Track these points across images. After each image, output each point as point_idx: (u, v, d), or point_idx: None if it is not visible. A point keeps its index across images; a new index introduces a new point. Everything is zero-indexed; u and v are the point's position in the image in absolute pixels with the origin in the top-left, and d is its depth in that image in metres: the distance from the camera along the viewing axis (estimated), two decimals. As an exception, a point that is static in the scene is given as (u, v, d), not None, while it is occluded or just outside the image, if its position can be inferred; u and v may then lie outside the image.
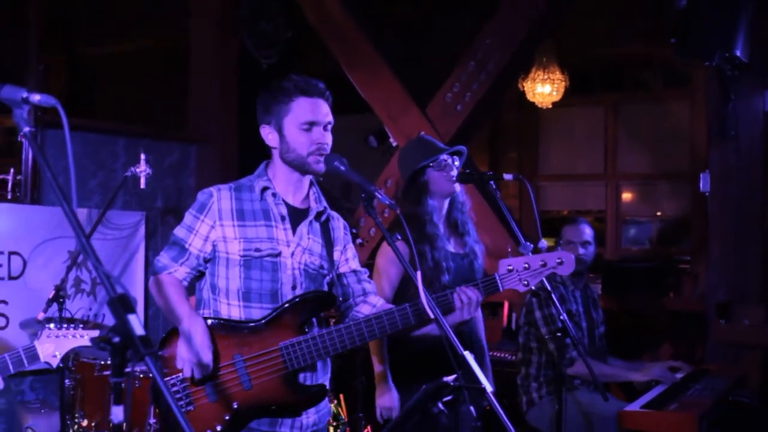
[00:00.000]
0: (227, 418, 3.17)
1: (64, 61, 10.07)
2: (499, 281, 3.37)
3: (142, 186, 5.51)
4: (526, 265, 3.38)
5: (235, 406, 3.17)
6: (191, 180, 7.14)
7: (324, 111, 3.29)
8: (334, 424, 5.86)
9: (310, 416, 3.31)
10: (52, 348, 2.64)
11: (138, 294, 6.33)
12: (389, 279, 4.08)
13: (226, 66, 7.49)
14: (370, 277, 3.63)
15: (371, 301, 3.48)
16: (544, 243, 3.63)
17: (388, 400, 4.10)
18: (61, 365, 2.73)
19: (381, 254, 4.17)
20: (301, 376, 3.26)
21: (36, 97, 2.20)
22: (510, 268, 3.37)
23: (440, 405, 3.18)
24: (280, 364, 3.18)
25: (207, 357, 3.11)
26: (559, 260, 3.38)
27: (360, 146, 7.71)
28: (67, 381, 5.20)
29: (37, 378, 6.06)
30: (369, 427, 5.77)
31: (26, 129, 2.18)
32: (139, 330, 1.92)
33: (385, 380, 4.13)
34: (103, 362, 5.22)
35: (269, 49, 7.62)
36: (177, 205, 6.94)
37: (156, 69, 8.90)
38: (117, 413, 2.02)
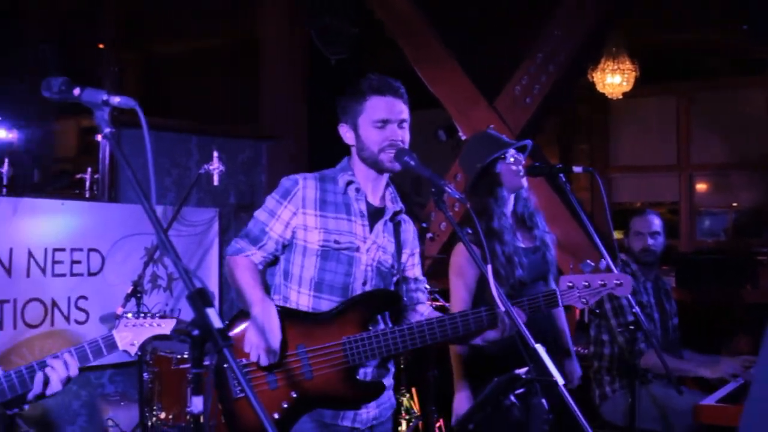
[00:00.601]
0: (285, 406, 3.20)
1: (137, 61, 10.26)
2: (559, 297, 3.39)
3: (215, 183, 5.61)
4: (586, 284, 3.39)
5: (294, 396, 3.21)
6: (263, 177, 7.24)
7: (398, 108, 3.32)
8: (407, 417, 5.90)
9: (370, 411, 3.33)
10: (129, 337, 2.73)
11: (213, 289, 6.44)
12: (466, 282, 4.07)
13: (296, 63, 7.56)
14: (443, 272, 3.65)
15: (420, 309, 3.51)
16: (605, 262, 3.62)
17: (461, 404, 4.10)
18: (139, 353, 2.82)
19: (456, 254, 4.16)
20: (361, 371, 3.29)
21: (116, 99, 2.28)
22: (570, 285, 3.39)
23: (512, 398, 3.20)
24: (341, 358, 3.21)
25: (276, 344, 3.15)
26: (618, 282, 3.41)
27: (429, 141, 7.72)
28: (145, 374, 5.32)
29: (117, 371, 6.21)
30: (441, 421, 5.79)
31: (107, 130, 2.25)
32: (217, 323, 1.97)
33: (464, 388, 4.12)
34: (179, 356, 5.33)
35: (337, 45, 7.67)
36: (250, 201, 7.05)
37: (228, 67, 9.02)
38: (197, 404, 2.08)
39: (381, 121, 3.28)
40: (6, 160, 6.28)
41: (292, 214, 3.32)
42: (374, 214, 3.38)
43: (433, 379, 5.73)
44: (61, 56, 7.26)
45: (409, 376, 6.14)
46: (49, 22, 7.79)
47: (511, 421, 3.56)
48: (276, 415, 3.18)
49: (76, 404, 6.03)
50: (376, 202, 3.41)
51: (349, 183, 3.37)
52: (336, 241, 3.29)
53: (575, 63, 6.91)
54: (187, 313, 2.98)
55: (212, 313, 1.99)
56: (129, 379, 6.25)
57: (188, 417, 5.23)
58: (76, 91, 2.31)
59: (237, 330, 3.26)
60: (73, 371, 2.60)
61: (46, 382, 2.56)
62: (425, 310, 3.49)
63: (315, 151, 7.23)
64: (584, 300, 3.39)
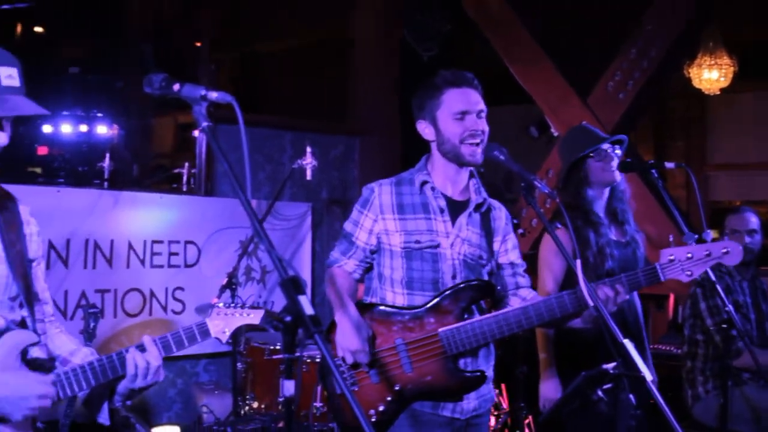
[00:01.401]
0: (389, 399, 3.28)
1: (231, 59, 10.46)
2: (660, 271, 3.34)
3: (308, 178, 5.70)
4: (689, 255, 3.32)
5: (397, 388, 3.28)
6: (355, 172, 7.31)
7: (474, 99, 3.35)
8: (496, 413, 5.90)
9: (470, 401, 3.37)
10: (221, 325, 2.82)
11: (305, 284, 6.56)
12: (553, 272, 4.08)
13: (388, 59, 7.61)
14: (533, 269, 3.66)
15: (522, 294, 3.51)
16: (710, 234, 3.56)
17: (551, 391, 4.10)
18: (229, 341, 2.90)
19: (544, 245, 4.17)
20: (461, 361, 3.33)
21: (213, 95, 2.35)
22: (672, 258, 3.33)
23: (599, 392, 3.19)
24: (440, 349, 3.27)
25: (360, 343, 3.25)
26: (725, 250, 3.31)
27: (521, 137, 7.70)
28: (239, 364, 5.45)
29: (211, 361, 6.36)
30: (530, 417, 5.78)
31: (204, 124, 2.33)
32: (309, 310, 2.03)
33: (549, 370, 4.13)
34: (272, 347, 5.44)
35: (429, 41, 7.70)
36: (342, 196, 7.13)
37: (321, 64, 9.13)
38: (288, 387, 2.14)
39: (460, 113, 3.32)
40: (107, 155, 6.51)
41: (373, 221, 3.41)
42: (456, 208, 3.41)
43: (522, 376, 5.71)
44: (160, 55, 7.45)
45: (498, 372, 6.12)
46: (148, 23, 8.01)
47: (598, 415, 3.55)
48: (381, 407, 3.27)
49: (172, 392, 6.19)
50: (457, 195, 3.44)
51: (424, 183, 3.41)
52: (417, 241, 3.35)
53: (669, 58, 6.80)
54: (280, 306, 3.07)
55: (304, 300, 2.05)
56: (222, 369, 6.40)
57: (280, 407, 5.33)
58: (176, 87, 2.39)
59: (334, 333, 3.36)
60: (158, 357, 2.69)
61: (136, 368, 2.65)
62: (527, 294, 3.50)
63: (407, 147, 7.26)
64: (688, 272, 3.32)
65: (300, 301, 2.05)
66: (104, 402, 2.78)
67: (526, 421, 5.80)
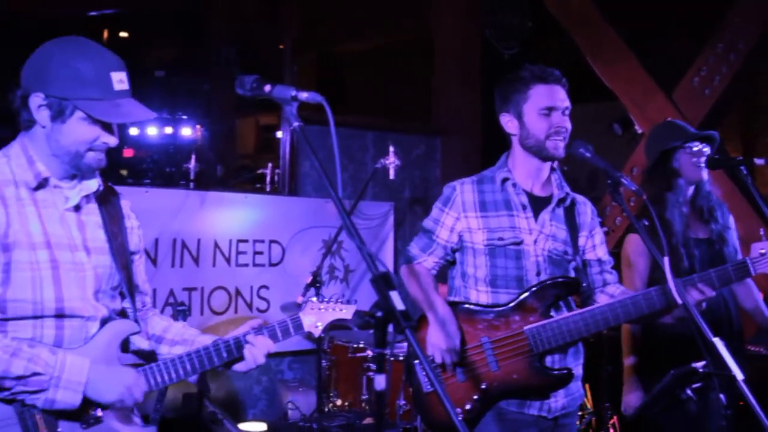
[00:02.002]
0: (476, 397, 3.28)
1: (313, 60, 10.55)
2: (750, 265, 3.30)
3: (392, 177, 5.74)
4: None
5: (483, 387, 3.28)
6: (437, 171, 7.33)
7: (561, 96, 3.35)
8: (580, 413, 5.85)
9: (558, 399, 3.36)
10: (314, 319, 2.88)
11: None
12: (638, 271, 4.04)
13: (469, 58, 7.60)
14: (618, 266, 3.63)
15: (609, 291, 3.48)
16: None
17: (633, 399, 4.05)
18: (322, 335, 2.96)
19: (629, 244, 4.12)
20: (549, 359, 3.32)
21: (304, 95, 2.40)
22: (762, 251, 3.29)
23: (688, 391, 3.15)
24: (526, 346, 3.26)
25: (455, 343, 3.25)
26: None
27: (604, 134, 7.61)
28: (323, 362, 5.50)
29: (295, 359, 6.44)
30: (615, 418, 5.71)
31: (295, 124, 2.37)
32: (399, 305, 2.05)
33: (633, 376, 4.08)
34: (356, 345, 5.48)
35: (510, 39, 7.67)
36: (424, 195, 7.15)
37: (402, 64, 9.16)
38: (380, 381, 2.16)
39: (547, 109, 3.32)
40: (193, 156, 6.63)
41: (455, 219, 3.42)
42: (538, 204, 3.41)
43: (607, 376, 5.65)
44: (243, 57, 7.55)
45: (582, 372, 6.08)
46: (231, 25, 8.13)
47: (688, 415, 3.51)
48: (468, 406, 3.27)
49: (257, 389, 6.29)
50: (539, 191, 3.43)
51: (505, 180, 3.41)
52: (500, 238, 3.34)
53: (758, 52, 6.64)
54: (363, 305, 3.12)
55: (395, 296, 2.07)
56: (306, 366, 6.48)
57: (363, 404, 5.38)
58: (267, 88, 2.44)
59: (420, 332, 3.38)
60: (272, 347, 2.78)
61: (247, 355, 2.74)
62: (615, 290, 3.48)
63: (488, 146, 7.25)
64: None
65: (391, 296, 2.08)
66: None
67: (611, 421, 5.74)
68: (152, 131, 7.69)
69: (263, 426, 5.42)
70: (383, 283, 2.09)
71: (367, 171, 6.57)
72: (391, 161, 5.61)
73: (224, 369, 2.80)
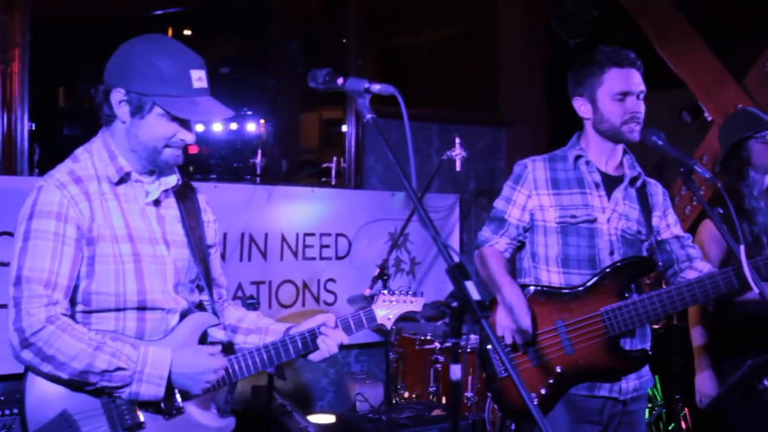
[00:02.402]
0: (551, 381, 3.26)
1: (375, 53, 10.55)
2: None
3: (458, 169, 5.72)
4: None
5: (558, 371, 3.25)
6: (501, 162, 7.29)
7: (636, 80, 3.32)
8: (650, 405, 5.79)
9: (630, 381, 3.33)
10: (386, 311, 2.91)
11: (451, 274, 6.54)
12: (710, 258, 3.98)
13: (534, 49, 7.54)
14: None
15: (697, 266, 3.43)
16: None
17: (707, 386, 4.00)
18: (393, 327, 2.98)
19: (702, 231, 4.07)
20: (622, 341, 3.29)
21: (376, 87, 2.41)
22: None
23: (766, 382, 3.10)
24: (602, 329, 3.23)
25: (525, 323, 3.22)
26: None
27: (672, 123, 7.49)
28: (390, 354, 5.52)
29: (362, 351, 6.47)
30: (687, 410, 5.64)
31: (368, 116, 2.38)
32: (475, 295, 2.05)
33: (705, 363, 4.03)
34: (423, 337, 5.50)
35: (575, 28, 7.59)
36: (489, 187, 7.12)
37: (465, 55, 9.12)
38: (456, 371, 2.17)
39: (621, 94, 3.29)
40: (259, 152, 6.69)
41: (527, 197, 3.39)
42: (611, 183, 3.38)
43: (678, 368, 5.58)
44: (307, 52, 7.58)
45: (652, 364, 6.01)
46: (294, 20, 8.17)
47: (765, 406, 3.45)
48: (543, 391, 3.26)
49: (325, 381, 6.33)
50: (612, 171, 3.40)
51: (578, 157, 3.38)
52: (573, 216, 3.31)
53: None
54: (429, 297, 3.12)
55: (471, 286, 2.07)
56: (373, 359, 6.51)
57: (431, 396, 5.39)
58: (340, 81, 2.45)
59: (490, 317, 3.36)
60: (345, 339, 2.81)
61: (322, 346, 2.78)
62: (702, 266, 3.43)
63: (554, 137, 7.19)
64: None
65: (467, 286, 2.08)
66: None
67: (682, 413, 5.67)
68: (217, 127, 7.77)
69: (332, 418, 5.46)
70: (458, 273, 2.10)
71: (432, 163, 6.56)
72: (458, 153, 5.59)
73: (299, 359, 2.83)
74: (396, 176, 6.53)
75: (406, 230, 5.99)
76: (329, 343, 2.77)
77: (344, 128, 6.50)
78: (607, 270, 3.28)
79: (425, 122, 6.77)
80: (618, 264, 3.29)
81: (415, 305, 3.01)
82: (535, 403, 3.21)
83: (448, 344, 5.37)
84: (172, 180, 2.71)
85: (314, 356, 2.81)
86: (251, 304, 5.08)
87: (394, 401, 5.53)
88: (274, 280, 5.89)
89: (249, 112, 7.81)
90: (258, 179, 6.48)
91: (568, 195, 3.36)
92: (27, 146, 5.06)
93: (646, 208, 3.41)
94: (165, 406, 2.59)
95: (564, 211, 3.33)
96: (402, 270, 6.44)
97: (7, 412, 4.49)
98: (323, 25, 8.02)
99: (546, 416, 3.28)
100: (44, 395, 2.52)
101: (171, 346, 2.60)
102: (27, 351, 2.42)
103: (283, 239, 5.92)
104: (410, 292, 3.01)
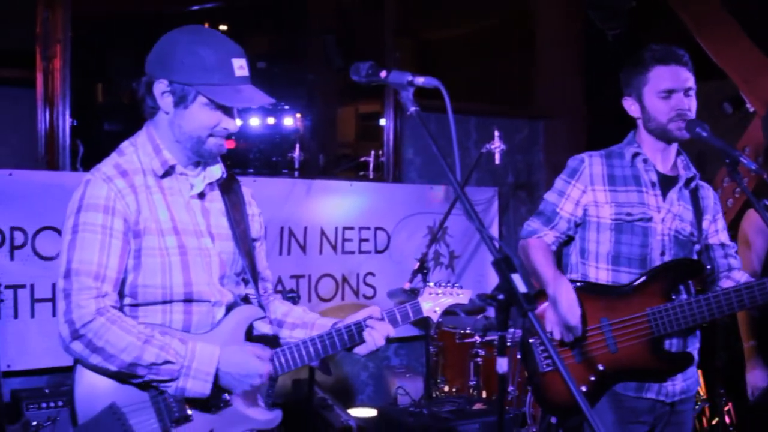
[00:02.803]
0: (592, 379, 3.24)
1: (410, 47, 10.52)
2: None
3: (497, 162, 5.70)
4: None
5: (601, 368, 3.24)
6: (540, 155, 7.26)
7: (683, 77, 3.28)
8: (692, 400, 5.74)
9: (677, 383, 3.30)
10: (432, 304, 2.90)
11: (492, 269, 6.51)
12: (755, 250, 3.95)
13: (572, 41, 7.48)
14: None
15: (734, 276, 3.39)
16: None
17: (759, 379, 3.96)
18: (439, 320, 2.97)
19: (747, 222, 4.03)
20: (667, 342, 3.26)
21: (420, 80, 2.40)
22: None
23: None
24: (647, 329, 3.21)
25: (575, 320, 3.20)
26: None
27: (713, 114, 7.41)
28: (430, 348, 5.52)
29: (401, 345, 6.47)
30: (731, 404, 5.58)
31: (412, 109, 2.38)
32: (522, 287, 2.04)
33: (755, 357, 3.99)
34: (463, 331, 5.49)
35: (614, 20, 7.51)
36: (527, 180, 7.10)
37: (502, 48, 9.08)
38: (502, 364, 2.16)
39: (666, 91, 3.26)
40: (297, 146, 6.70)
41: (582, 192, 3.37)
42: (666, 183, 3.35)
43: (722, 363, 5.53)
44: (343, 46, 7.58)
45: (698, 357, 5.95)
46: (331, 14, 8.17)
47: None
48: (584, 388, 3.24)
49: (364, 375, 6.34)
50: (667, 170, 3.38)
51: (636, 155, 3.36)
52: (628, 214, 3.29)
53: None
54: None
55: (517, 279, 2.06)
56: (412, 353, 6.51)
57: (471, 390, 5.38)
58: (383, 74, 2.45)
59: (537, 309, 3.34)
60: (391, 331, 2.80)
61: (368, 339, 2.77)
62: (740, 276, 3.39)
63: (592, 129, 7.14)
64: None
65: (513, 279, 2.07)
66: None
67: (726, 408, 5.61)
68: (255, 122, 7.79)
69: (373, 411, 5.47)
70: (505, 265, 2.09)
71: (470, 156, 6.54)
72: (497, 146, 5.57)
73: (345, 352, 2.82)
74: (435, 169, 6.59)
75: (445, 224, 5.97)
76: (376, 336, 2.76)
77: (382, 122, 6.49)
78: (655, 271, 3.25)
79: (463, 115, 6.75)
80: (666, 265, 3.26)
81: (462, 297, 3.00)
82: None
83: (488, 338, 5.36)
84: (217, 172, 2.72)
85: (360, 349, 2.80)
86: (291, 297, 5.08)
87: (434, 395, 5.52)
88: (313, 273, 5.91)
89: (286, 107, 7.83)
90: (296, 173, 6.49)
91: (624, 192, 3.33)
92: (69, 142, 5.11)
93: (698, 211, 3.39)
94: (212, 400, 2.60)
95: (620, 209, 3.31)
96: (441, 263, 6.43)
97: (52, 404, 4.55)
98: (359, 18, 8.01)
99: None
100: (93, 388, 2.54)
101: (217, 338, 2.61)
102: (77, 342, 2.44)
103: (323, 233, 5.94)
104: (456, 285, 3.00)
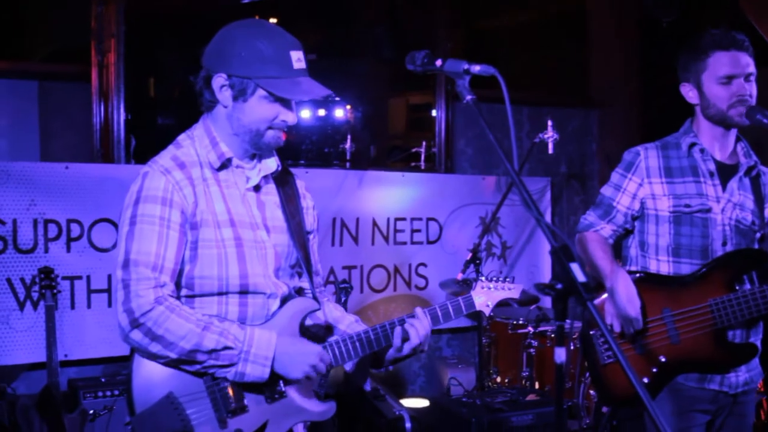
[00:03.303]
0: (654, 370, 3.21)
1: (461, 37, 10.47)
2: None
3: (550, 151, 5.65)
4: None
5: (663, 360, 3.20)
6: (593, 145, 7.18)
7: (743, 62, 3.22)
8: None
9: (740, 375, 3.25)
10: (484, 298, 2.89)
11: (545, 259, 6.49)
12: None
13: (626, 28, 7.38)
14: None
15: None
16: None
17: None
18: (492, 314, 2.96)
19: None
20: (730, 333, 3.22)
21: (476, 68, 2.39)
22: None
23: None
24: (710, 320, 3.17)
25: (635, 312, 3.17)
26: None
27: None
28: (483, 339, 5.50)
29: (453, 336, 6.46)
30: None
31: (468, 97, 2.36)
32: (581, 277, 2.02)
33: None
34: (515, 321, 5.46)
35: (668, 6, 7.41)
36: (580, 170, 7.03)
37: (554, 37, 9.01)
38: (560, 354, 2.14)
39: (726, 77, 3.21)
40: (348, 137, 6.71)
41: (638, 185, 3.34)
42: (726, 172, 3.30)
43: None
44: (393, 36, 7.56)
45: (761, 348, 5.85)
46: (381, 4, 8.15)
47: None
48: (646, 380, 3.21)
49: (416, 366, 6.34)
50: (726, 159, 3.32)
51: (693, 145, 3.31)
52: (687, 205, 3.25)
53: None
54: (520, 281, 3.09)
55: (576, 268, 2.04)
56: (464, 344, 6.49)
57: (524, 381, 5.35)
58: (438, 63, 2.44)
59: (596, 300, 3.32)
60: (428, 328, 2.77)
61: (405, 338, 2.74)
62: None
63: (647, 118, 7.05)
64: None
65: (572, 268, 2.05)
66: (368, 369, 2.92)
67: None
68: (305, 114, 7.83)
69: (425, 402, 5.46)
70: (564, 254, 2.06)
71: (522, 146, 6.50)
72: (550, 135, 5.52)
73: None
74: (487, 159, 6.56)
75: (497, 214, 5.94)
76: (413, 333, 2.73)
77: (433, 113, 6.47)
78: (718, 261, 3.20)
79: (515, 105, 6.64)
80: (730, 255, 3.21)
81: (513, 292, 2.98)
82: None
83: (541, 328, 5.33)
84: (272, 165, 2.73)
85: (405, 346, 2.76)
86: (344, 288, 5.12)
87: (486, 386, 5.51)
88: (365, 264, 5.92)
89: (337, 99, 7.84)
90: (348, 164, 6.50)
91: (681, 184, 3.30)
92: (123, 135, 5.17)
93: (760, 199, 3.34)
94: (267, 391, 2.61)
95: (678, 200, 3.28)
96: (493, 254, 6.40)
97: (108, 393, 4.62)
98: (410, 8, 7.98)
99: None
100: (150, 377, 2.57)
101: (273, 330, 2.62)
102: (136, 331, 2.47)
103: (374, 224, 5.94)
104: (508, 279, 2.99)
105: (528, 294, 5.13)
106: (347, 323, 2.91)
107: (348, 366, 2.82)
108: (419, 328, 2.74)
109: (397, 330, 2.73)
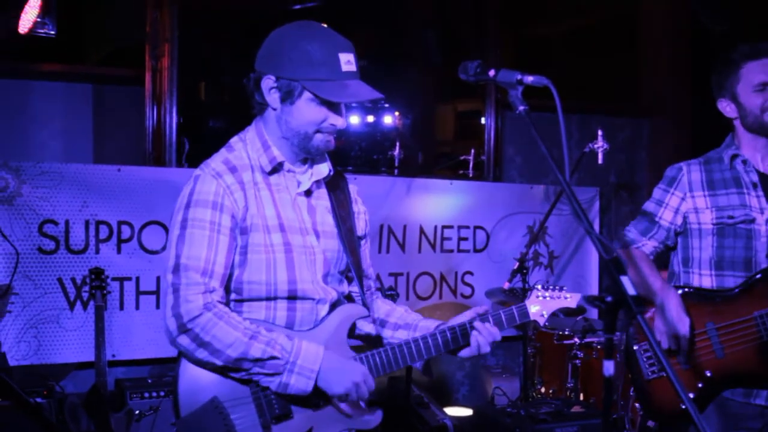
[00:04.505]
0: (700, 386, 3.17)
1: (510, 43, 10.42)
2: None
3: (600, 161, 5.60)
4: None
5: (708, 375, 3.16)
6: (643, 154, 7.12)
7: None
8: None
9: None
10: (539, 308, 2.86)
11: (592, 270, 6.44)
12: None
13: (677, 37, 7.31)
14: None
15: None
16: None
17: None
18: (547, 324, 2.93)
19: None
20: None
21: (529, 78, 2.38)
22: None
23: None
24: (754, 333, 3.13)
25: (684, 329, 3.14)
26: None
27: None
28: (528, 349, 5.47)
29: (499, 345, 6.37)
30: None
31: (521, 108, 2.36)
32: (631, 290, 2.01)
33: None
34: (561, 332, 5.42)
35: (721, 17, 7.32)
36: (630, 180, 6.97)
37: (604, 45, 8.94)
38: (608, 367, 2.12)
39: (761, 84, 3.25)
40: (397, 144, 6.71)
41: (681, 200, 3.33)
42: None
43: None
44: (442, 43, 7.56)
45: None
46: (430, 10, 8.15)
47: None
48: (691, 395, 3.18)
49: (460, 375, 6.33)
50: None
51: (735, 156, 3.30)
52: (730, 216, 3.23)
53: None
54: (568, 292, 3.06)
55: (626, 281, 2.03)
56: (508, 353, 6.47)
57: (568, 392, 5.31)
58: (491, 73, 2.44)
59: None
60: (497, 335, 2.76)
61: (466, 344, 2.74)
62: None
63: (698, 128, 6.97)
64: None
65: (623, 281, 2.04)
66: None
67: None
68: (354, 120, 7.85)
69: (469, 411, 5.44)
70: (614, 267, 2.06)
71: (572, 155, 6.44)
72: (600, 145, 5.47)
73: (448, 355, 2.79)
74: (535, 168, 6.52)
75: (545, 224, 5.91)
76: (481, 341, 2.71)
77: (482, 120, 6.45)
78: (764, 272, 3.16)
79: (564, 114, 6.65)
80: None
81: (570, 301, 2.93)
82: (684, 408, 3.12)
83: (587, 340, 5.28)
84: (324, 170, 2.74)
85: (464, 353, 2.75)
86: (390, 295, 5.12)
87: (530, 396, 5.47)
88: (412, 271, 5.92)
89: (386, 105, 7.86)
90: (396, 171, 6.50)
91: (724, 195, 3.28)
92: (175, 139, 5.23)
93: None
94: (314, 398, 2.61)
95: (721, 212, 3.26)
96: (540, 264, 6.36)
97: (155, 394, 4.67)
98: (459, 15, 7.97)
99: None
100: (196, 381, 2.57)
101: (321, 336, 2.62)
102: (184, 336, 2.48)
103: (422, 231, 5.94)
104: (564, 288, 2.95)
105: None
106: (397, 317, 2.90)
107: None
108: (487, 334, 2.73)
109: (473, 335, 2.72)
